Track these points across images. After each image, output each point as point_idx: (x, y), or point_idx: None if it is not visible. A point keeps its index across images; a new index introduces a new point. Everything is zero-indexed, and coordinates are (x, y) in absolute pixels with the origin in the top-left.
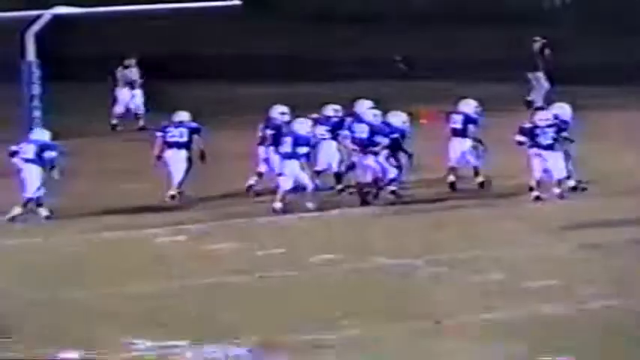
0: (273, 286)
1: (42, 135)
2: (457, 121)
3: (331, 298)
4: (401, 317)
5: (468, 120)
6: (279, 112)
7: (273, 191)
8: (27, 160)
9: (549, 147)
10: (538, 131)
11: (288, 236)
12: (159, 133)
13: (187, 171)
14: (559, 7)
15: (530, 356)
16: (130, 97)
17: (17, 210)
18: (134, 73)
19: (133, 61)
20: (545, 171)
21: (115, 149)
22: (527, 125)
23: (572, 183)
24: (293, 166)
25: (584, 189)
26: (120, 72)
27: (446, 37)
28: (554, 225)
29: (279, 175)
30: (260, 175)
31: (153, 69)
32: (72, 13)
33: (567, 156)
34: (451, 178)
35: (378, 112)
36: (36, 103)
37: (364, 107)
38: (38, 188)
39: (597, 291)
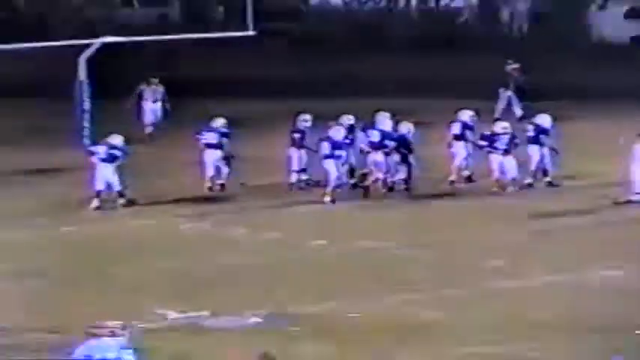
0: (279, 265)
1: (115, 139)
2: (456, 128)
3: (323, 275)
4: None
5: (465, 127)
6: (302, 119)
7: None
8: (102, 160)
9: (505, 151)
10: (496, 138)
11: (288, 223)
12: (197, 136)
13: (229, 166)
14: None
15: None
16: (152, 110)
17: (95, 202)
18: (157, 91)
19: (156, 80)
20: (502, 172)
21: (149, 151)
22: (487, 133)
23: (548, 179)
24: (331, 165)
25: (557, 185)
26: (145, 89)
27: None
28: (505, 213)
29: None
30: (299, 171)
31: (173, 87)
32: (118, 41)
33: (549, 156)
34: (454, 176)
35: (389, 121)
36: (86, 115)
37: (382, 116)
38: (111, 182)
39: (541, 268)
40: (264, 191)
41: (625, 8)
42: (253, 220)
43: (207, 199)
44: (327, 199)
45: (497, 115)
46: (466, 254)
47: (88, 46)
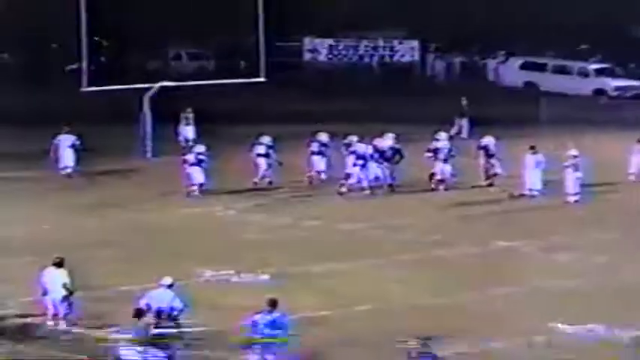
0: (286, 239)
1: (199, 148)
2: (433, 146)
3: (313, 246)
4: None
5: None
6: (322, 136)
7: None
8: (191, 164)
9: (444, 160)
10: (439, 150)
11: (297, 210)
12: (251, 148)
13: (270, 168)
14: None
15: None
16: (185, 132)
17: (195, 192)
18: (190, 118)
19: (190, 110)
20: (442, 173)
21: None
22: (432, 146)
23: (490, 181)
24: (356, 170)
25: (491, 185)
26: (182, 116)
27: None
28: (444, 204)
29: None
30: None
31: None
32: (171, 84)
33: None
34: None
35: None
36: (148, 136)
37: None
38: (200, 182)
39: (465, 241)
40: (281, 187)
41: (520, 62)
42: (272, 208)
43: (246, 193)
44: (344, 190)
45: (451, 133)
46: (414, 231)
47: (150, 88)
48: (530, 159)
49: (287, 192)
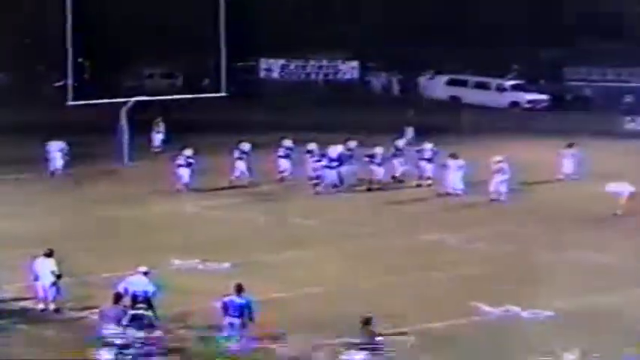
0: (245, 232)
1: (188, 152)
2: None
3: (271, 238)
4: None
5: (397, 149)
6: (287, 141)
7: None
8: (179, 166)
9: (379, 164)
10: (374, 155)
11: (265, 207)
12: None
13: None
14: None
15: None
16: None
17: (183, 190)
18: (160, 127)
19: (159, 120)
20: (377, 175)
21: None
22: (370, 153)
23: (429, 182)
24: (330, 172)
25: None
26: (154, 126)
27: None
28: (380, 202)
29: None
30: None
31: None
32: (145, 99)
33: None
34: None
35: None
36: (125, 144)
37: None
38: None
39: (396, 231)
40: (245, 187)
41: (445, 79)
42: (234, 205)
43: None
44: (321, 189)
45: (402, 143)
46: (354, 225)
47: (127, 102)
48: (452, 163)
49: (248, 191)
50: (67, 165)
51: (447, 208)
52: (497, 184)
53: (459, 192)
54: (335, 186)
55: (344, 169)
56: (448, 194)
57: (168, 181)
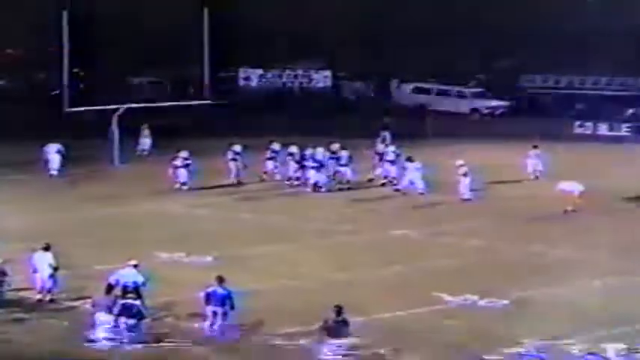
0: (226, 228)
1: (184, 154)
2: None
3: (251, 234)
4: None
5: (378, 152)
6: (275, 145)
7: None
8: (177, 167)
9: (344, 165)
10: (340, 156)
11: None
12: (228, 152)
13: (239, 170)
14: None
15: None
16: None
17: (182, 188)
18: (147, 132)
19: (146, 125)
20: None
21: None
22: (335, 156)
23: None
24: (313, 173)
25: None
26: (141, 130)
27: None
28: (351, 200)
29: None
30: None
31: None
32: (135, 106)
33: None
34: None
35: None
36: (116, 147)
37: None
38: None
39: (359, 228)
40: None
41: (411, 87)
42: (216, 204)
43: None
44: (309, 189)
45: (379, 147)
46: (328, 221)
47: (118, 109)
48: (409, 165)
49: (232, 191)
50: (64, 166)
51: (415, 207)
52: (464, 184)
53: (421, 191)
54: (318, 186)
55: (329, 170)
56: (404, 193)
57: (156, 182)
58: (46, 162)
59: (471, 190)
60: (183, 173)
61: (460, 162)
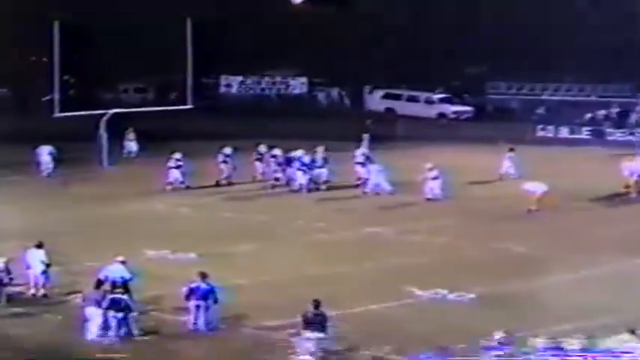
0: (210, 227)
1: (177, 155)
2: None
3: (233, 233)
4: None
5: (363, 155)
6: (261, 147)
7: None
8: (170, 167)
9: (319, 167)
10: (313, 161)
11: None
12: (219, 155)
13: (231, 171)
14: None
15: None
16: (129, 145)
17: (169, 187)
18: (132, 136)
19: (131, 129)
20: (320, 176)
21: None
22: (310, 159)
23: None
24: (300, 174)
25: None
26: (127, 134)
27: None
28: (325, 200)
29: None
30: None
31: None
32: (124, 111)
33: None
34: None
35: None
36: (104, 150)
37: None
38: (181, 180)
39: (342, 226)
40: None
41: (381, 93)
42: (198, 201)
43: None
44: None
45: (364, 150)
46: (304, 221)
47: (105, 114)
48: (372, 168)
49: (215, 191)
50: (55, 167)
51: (386, 206)
52: (432, 186)
53: (389, 191)
54: (307, 188)
55: (315, 172)
56: (376, 193)
57: (143, 182)
58: (38, 163)
59: (439, 190)
60: (175, 174)
61: (429, 165)
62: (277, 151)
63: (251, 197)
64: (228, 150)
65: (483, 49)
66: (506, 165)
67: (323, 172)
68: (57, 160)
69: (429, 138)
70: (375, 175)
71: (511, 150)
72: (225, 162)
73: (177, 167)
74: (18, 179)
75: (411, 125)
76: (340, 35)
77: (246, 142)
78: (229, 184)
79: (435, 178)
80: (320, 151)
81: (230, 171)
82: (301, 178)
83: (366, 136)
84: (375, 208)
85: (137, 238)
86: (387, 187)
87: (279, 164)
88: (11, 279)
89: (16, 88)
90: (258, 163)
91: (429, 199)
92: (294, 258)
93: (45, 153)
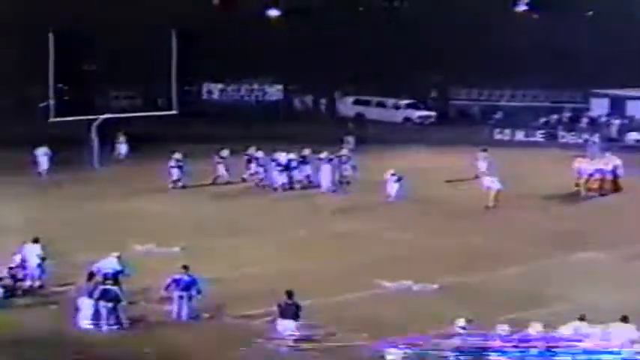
0: (193, 222)
1: (178, 155)
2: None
3: (213, 228)
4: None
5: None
6: (252, 150)
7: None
8: (171, 167)
9: (294, 168)
10: (301, 162)
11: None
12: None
13: (226, 171)
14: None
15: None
16: (121, 147)
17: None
18: (123, 139)
19: (121, 132)
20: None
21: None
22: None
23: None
24: (276, 174)
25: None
26: (117, 137)
27: None
28: (299, 199)
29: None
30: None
31: (133, 138)
32: (112, 116)
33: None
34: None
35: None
36: (95, 152)
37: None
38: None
39: (310, 227)
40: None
41: (352, 99)
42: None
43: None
44: (280, 189)
45: (348, 148)
46: (279, 218)
47: (97, 119)
48: (325, 167)
49: (200, 191)
50: (50, 167)
51: (357, 205)
52: (393, 189)
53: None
54: (285, 187)
55: (295, 172)
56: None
57: (132, 182)
58: (35, 163)
59: (403, 192)
60: (176, 173)
61: (391, 171)
62: (259, 153)
63: (233, 195)
64: (225, 152)
65: (446, 59)
66: (481, 165)
67: (308, 171)
68: (52, 160)
69: (396, 141)
70: (325, 174)
71: (484, 150)
72: (220, 163)
73: (179, 167)
74: (15, 180)
75: (380, 129)
76: (313, 46)
77: (228, 143)
78: (227, 182)
79: (397, 181)
80: (307, 152)
81: (223, 171)
82: (279, 178)
83: (349, 139)
84: (346, 206)
85: (125, 233)
86: (326, 184)
87: (261, 165)
88: (25, 275)
89: (10, 95)
90: (251, 164)
91: (390, 200)
92: (272, 252)
93: (41, 154)
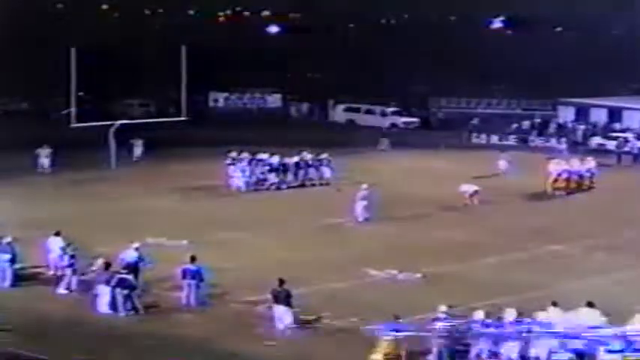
0: (197, 219)
1: (233, 154)
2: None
3: (216, 224)
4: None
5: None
6: (244, 153)
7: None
8: (229, 165)
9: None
10: (288, 164)
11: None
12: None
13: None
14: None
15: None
16: (137, 150)
17: None
18: (138, 143)
19: (137, 137)
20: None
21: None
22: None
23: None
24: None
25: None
26: (133, 141)
27: None
28: (275, 198)
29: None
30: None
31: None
32: (127, 122)
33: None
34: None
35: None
36: (112, 154)
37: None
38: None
39: (300, 223)
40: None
41: (343, 106)
42: (191, 197)
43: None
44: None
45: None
46: (272, 215)
47: (113, 124)
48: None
49: (207, 190)
50: (53, 166)
51: (345, 201)
52: (362, 207)
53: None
54: (278, 188)
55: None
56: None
57: (146, 182)
58: (38, 162)
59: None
60: (232, 170)
61: (364, 186)
62: (264, 156)
63: (236, 194)
64: (234, 154)
65: (428, 71)
66: (502, 164)
67: (316, 172)
68: (55, 159)
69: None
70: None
71: (502, 151)
72: (231, 164)
73: (234, 164)
74: (38, 180)
75: (368, 134)
76: (309, 59)
77: (230, 147)
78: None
79: (363, 198)
80: (307, 156)
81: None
82: (272, 178)
83: (385, 140)
84: (337, 202)
85: (140, 227)
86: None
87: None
88: (75, 269)
89: (34, 102)
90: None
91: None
92: (270, 245)
93: (44, 155)
